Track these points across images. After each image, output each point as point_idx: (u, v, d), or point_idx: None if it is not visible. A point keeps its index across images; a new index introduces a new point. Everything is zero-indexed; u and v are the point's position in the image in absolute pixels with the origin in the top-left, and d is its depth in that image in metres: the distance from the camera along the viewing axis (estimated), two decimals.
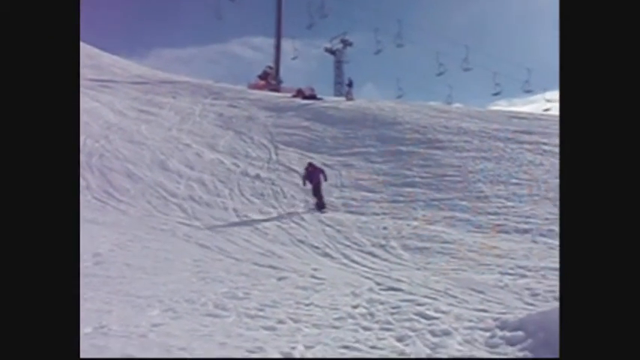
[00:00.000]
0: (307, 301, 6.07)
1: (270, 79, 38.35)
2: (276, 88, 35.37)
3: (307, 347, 4.26)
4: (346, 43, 46.60)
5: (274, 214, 12.63)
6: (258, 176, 15.70)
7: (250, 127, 20.93)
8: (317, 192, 13.18)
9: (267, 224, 11.79)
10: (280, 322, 5.16)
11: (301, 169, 15.94)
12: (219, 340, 4.36)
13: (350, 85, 28.12)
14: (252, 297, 6.23)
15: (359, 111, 21.42)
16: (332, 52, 47.21)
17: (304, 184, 13.57)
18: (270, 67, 40.55)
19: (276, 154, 17.61)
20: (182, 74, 35.66)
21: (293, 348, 4.20)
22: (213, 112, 23.38)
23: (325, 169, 14.34)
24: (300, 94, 27.90)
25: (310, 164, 14.04)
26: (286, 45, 40.99)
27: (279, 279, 7.45)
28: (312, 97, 27.28)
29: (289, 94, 28.77)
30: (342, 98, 27.55)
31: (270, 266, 8.35)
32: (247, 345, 4.23)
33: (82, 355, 2.82)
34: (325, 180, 13.44)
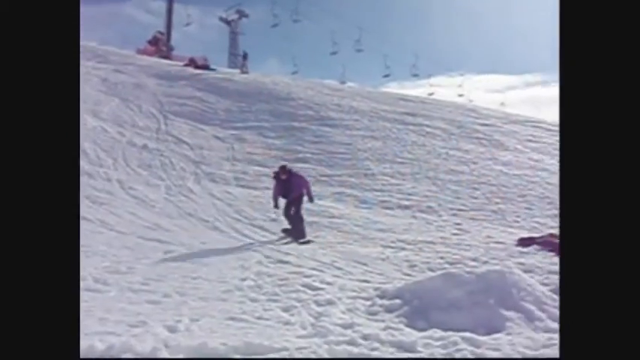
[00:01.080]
0: (194, 275, 6.01)
1: (160, 46, 36.56)
2: (166, 56, 33.82)
3: (193, 320, 4.23)
4: (242, 14, 45.62)
5: (162, 187, 12.19)
6: (145, 147, 15.00)
7: (138, 94, 19.85)
8: (293, 212, 8.78)
9: (154, 197, 11.37)
10: (166, 295, 5.07)
11: (193, 141, 15.51)
12: (99, 315, 4.18)
13: (245, 57, 27.67)
14: (137, 271, 6.03)
15: (253, 85, 21.19)
16: (227, 22, 45.98)
17: (276, 204, 8.96)
18: (160, 33, 38.65)
19: (166, 125, 16.92)
20: None
21: (178, 321, 4.15)
22: (96, 76, 21.79)
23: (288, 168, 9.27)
24: (192, 63, 26.97)
25: (283, 169, 9.04)
26: (181, 10, 39.28)
27: (166, 252, 7.28)
28: (205, 67, 26.50)
29: (181, 63, 27.68)
30: (237, 70, 27.04)
31: (157, 240, 8.12)
32: (129, 319, 4.11)
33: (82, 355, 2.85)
34: (311, 200, 8.97)
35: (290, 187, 8.81)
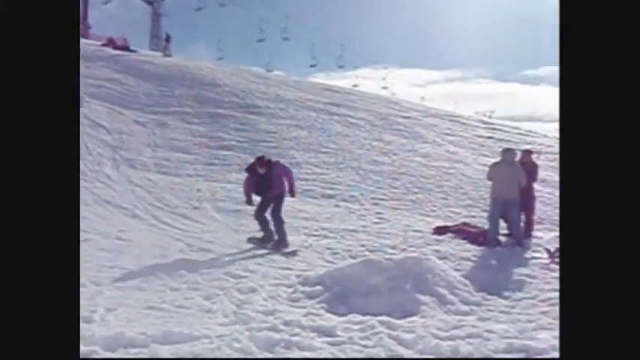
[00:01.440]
0: (111, 264, 5.81)
1: None
2: (83, 34, 31.94)
3: (109, 310, 4.11)
4: None
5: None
6: None
7: None
8: (271, 212, 7.18)
9: None
10: (80, 285, 4.86)
11: (111, 125, 14.81)
12: None
13: (167, 40, 26.72)
14: None
15: (176, 68, 20.53)
16: (149, 2, 44.08)
17: (249, 200, 7.35)
18: None
19: (82, 107, 16.03)
20: None
21: (93, 311, 4.02)
22: None
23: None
24: (110, 43, 25.59)
25: (261, 161, 7.19)
26: None
27: (81, 241, 6.95)
28: (125, 48, 25.25)
29: (98, 43, 26.24)
30: (159, 53, 26.06)
31: None
32: None
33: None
34: (292, 194, 7.33)
35: (270, 182, 7.06)
